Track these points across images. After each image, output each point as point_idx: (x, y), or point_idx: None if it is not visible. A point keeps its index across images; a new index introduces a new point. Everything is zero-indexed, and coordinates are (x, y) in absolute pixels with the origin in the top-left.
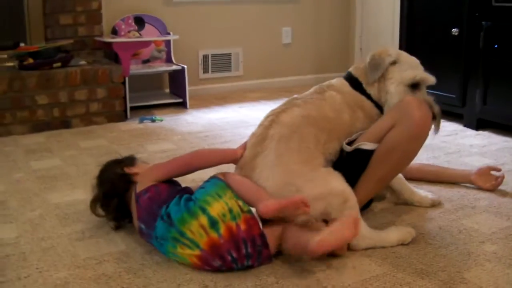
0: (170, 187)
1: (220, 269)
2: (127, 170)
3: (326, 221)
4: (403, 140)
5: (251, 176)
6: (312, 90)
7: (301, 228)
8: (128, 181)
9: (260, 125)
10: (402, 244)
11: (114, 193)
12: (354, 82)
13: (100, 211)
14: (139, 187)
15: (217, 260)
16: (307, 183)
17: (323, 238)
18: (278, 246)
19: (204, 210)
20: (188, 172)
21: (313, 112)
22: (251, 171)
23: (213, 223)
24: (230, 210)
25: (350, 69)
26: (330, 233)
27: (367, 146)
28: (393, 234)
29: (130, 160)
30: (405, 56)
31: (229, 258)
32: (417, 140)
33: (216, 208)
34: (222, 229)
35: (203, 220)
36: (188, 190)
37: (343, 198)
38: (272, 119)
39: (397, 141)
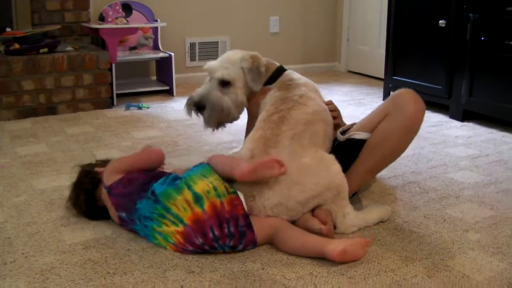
0: (143, 171)
1: (202, 248)
2: (97, 169)
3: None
4: (395, 131)
5: None
6: (285, 85)
7: (308, 232)
8: (94, 178)
9: (264, 120)
10: (381, 221)
11: (80, 188)
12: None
13: (71, 205)
14: (107, 181)
15: (199, 237)
16: (311, 180)
17: (346, 249)
18: (266, 240)
19: (189, 187)
20: (148, 167)
21: (317, 107)
22: None
23: (198, 199)
24: (215, 188)
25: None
26: (352, 245)
27: (360, 135)
28: (373, 214)
29: (103, 162)
30: None
31: (211, 235)
32: (409, 133)
33: (201, 185)
34: (206, 205)
35: (188, 195)
36: (164, 174)
37: (337, 191)
38: (282, 115)
39: (389, 132)
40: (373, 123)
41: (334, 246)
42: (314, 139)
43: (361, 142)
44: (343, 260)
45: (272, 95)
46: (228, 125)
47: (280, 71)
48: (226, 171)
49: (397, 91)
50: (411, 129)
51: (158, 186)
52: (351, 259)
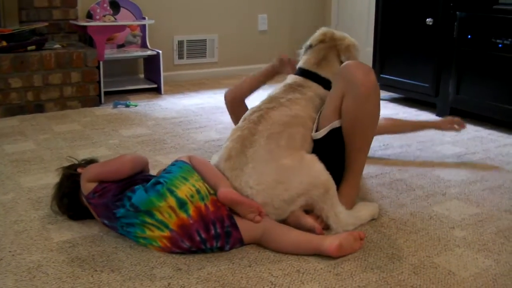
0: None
1: (190, 250)
2: (79, 170)
3: (306, 211)
4: (359, 105)
5: (242, 169)
6: (287, 88)
7: (302, 230)
8: (75, 181)
9: (245, 119)
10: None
11: (62, 193)
12: (326, 83)
13: (56, 208)
14: (84, 190)
15: (185, 241)
16: (294, 179)
17: (342, 243)
18: (253, 240)
19: (172, 192)
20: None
21: (301, 113)
22: (242, 164)
23: (182, 204)
24: (198, 191)
25: (311, 68)
26: (346, 238)
27: (336, 124)
28: (365, 212)
29: (86, 162)
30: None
31: (198, 238)
32: (370, 98)
33: (184, 190)
34: (191, 209)
35: (172, 201)
36: (141, 179)
37: (324, 189)
38: (260, 115)
39: (354, 109)
40: (336, 108)
41: (330, 242)
42: (291, 141)
43: (339, 129)
44: (340, 254)
45: (274, 90)
46: (217, 123)
47: (304, 72)
48: (212, 182)
49: (343, 68)
50: (370, 93)
51: (135, 196)
52: (347, 252)
